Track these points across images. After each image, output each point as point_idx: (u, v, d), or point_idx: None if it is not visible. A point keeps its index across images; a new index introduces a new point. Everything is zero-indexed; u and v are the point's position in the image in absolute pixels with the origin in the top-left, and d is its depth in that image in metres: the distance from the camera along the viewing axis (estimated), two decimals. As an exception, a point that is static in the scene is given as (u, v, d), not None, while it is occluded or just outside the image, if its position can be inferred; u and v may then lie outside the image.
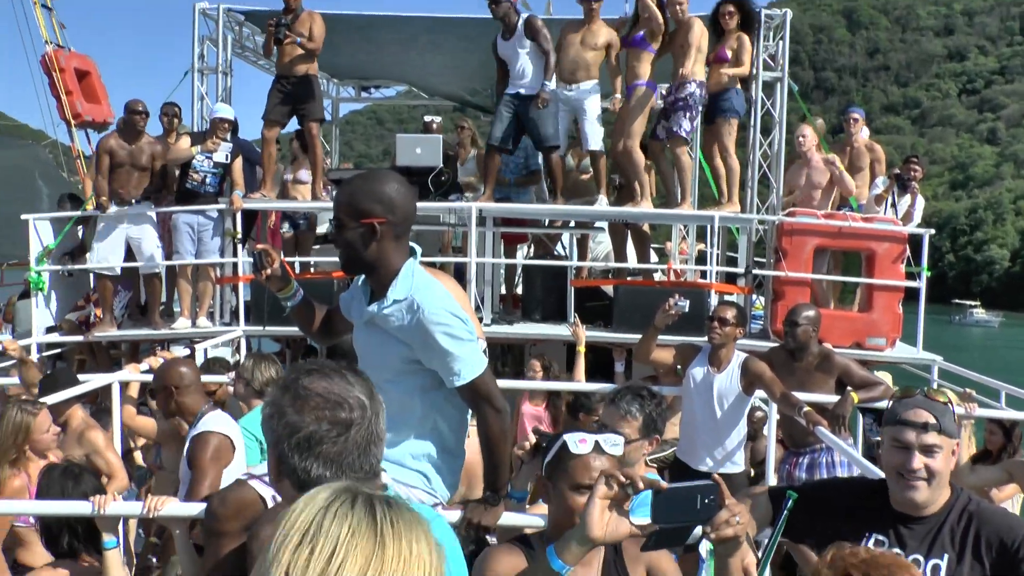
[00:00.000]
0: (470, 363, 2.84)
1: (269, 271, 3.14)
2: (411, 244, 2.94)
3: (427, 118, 11.17)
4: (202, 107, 9.26)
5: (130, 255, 8.49)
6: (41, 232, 8.66)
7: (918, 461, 2.48)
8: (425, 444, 2.94)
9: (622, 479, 2.06)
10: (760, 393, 5.52)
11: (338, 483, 1.24)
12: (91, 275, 8.75)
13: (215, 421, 4.11)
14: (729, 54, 8.39)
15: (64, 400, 5.29)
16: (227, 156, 8.39)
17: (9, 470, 4.41)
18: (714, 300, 7.98)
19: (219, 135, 8.30)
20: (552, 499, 2.50)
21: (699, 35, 8.17)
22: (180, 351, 6.83)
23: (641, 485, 2.06)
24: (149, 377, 5.91)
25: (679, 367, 5.87)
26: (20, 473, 4.42)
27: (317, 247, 10.60)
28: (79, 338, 8.37)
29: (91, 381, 5.95)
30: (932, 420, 2.48)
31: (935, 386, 7.59)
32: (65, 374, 5.90)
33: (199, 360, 6.66)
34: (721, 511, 2.07)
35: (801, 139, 8.72)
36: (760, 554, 2.78)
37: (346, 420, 1.78)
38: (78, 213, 9.04)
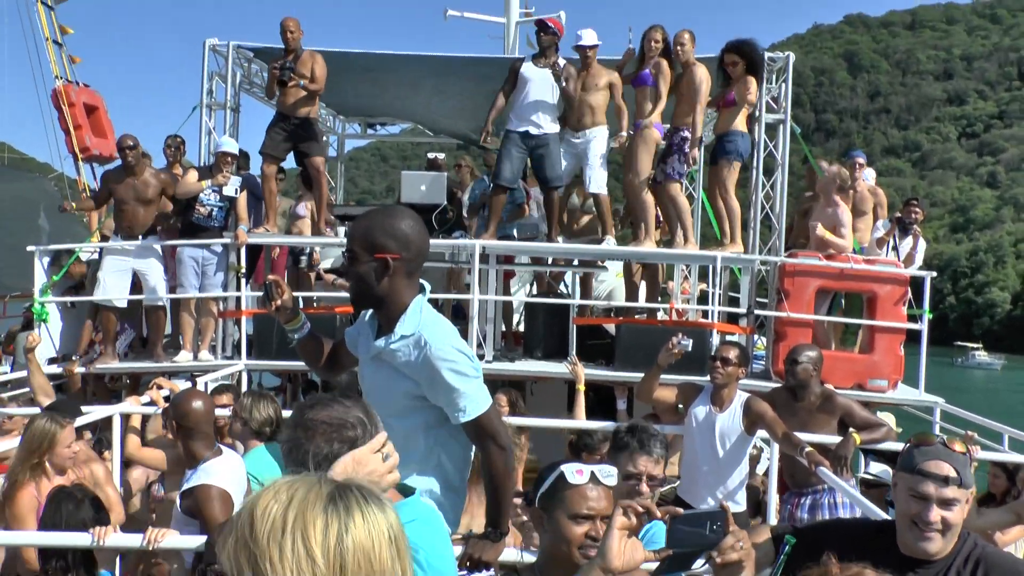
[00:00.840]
0: (475, 400, 2.85)
1: (279, 302, 3.17)
2: (421, 281, 2.96)
3: (431, 155, 11.26)
4: (210, 142, 9.34)
5: (135, 288, 8.52)
6: (45, 264, 8.71)
7: (935, 514, 2.45)
8: (428, 480, 2.94)
9: (640, 509, 2.15)
10: (760, 433, 5.53)
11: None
12: (92, 307, 8.76)
13: (215, 472, 4.05)
14: (736, 100, 8.46)
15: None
16: (236, 190, 8.46)
17: (27, 477, 4.41)
18: (716, 340, 7.99)
19: (224, 169, 8.37)
20: (547, 530, 2.50)
21: (700, 82, 8.25)
22: (181, 384, 6.81)
23: (659, 514, 2.18)
24: (150, 409, 5.93)
25: (680, 406, 5.87)
26: (33, 486, 4.41)
27: (319, 283, 10.63)
28: (81, 370, 8.36)
29: (92, 412, 5.95)
30: (953, 474, 2.45)
31: (937, 428, 7.58)
32: (68, 405, 5.90)
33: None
34: (727, 536, 2.18)
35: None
36: None
37: (352, 437, 2.11)
38: (82, 245, 9.09)
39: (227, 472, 4.08)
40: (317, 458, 2.06)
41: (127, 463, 6.07)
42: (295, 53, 8.66)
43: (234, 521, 1.24)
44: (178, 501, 4.12)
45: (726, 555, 2.19)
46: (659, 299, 10.27)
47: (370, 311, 3.05)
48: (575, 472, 2.47)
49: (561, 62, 8.32)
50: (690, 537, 2.19)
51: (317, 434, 2.10)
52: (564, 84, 8.28)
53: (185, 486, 4.08)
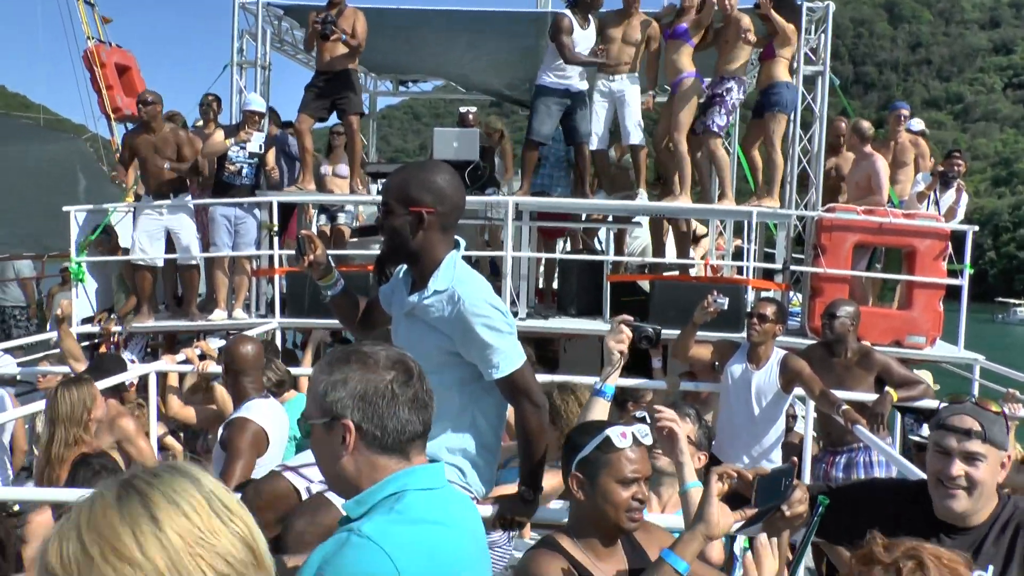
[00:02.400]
0: (509, 356, 2.82)
1: (312, 257, 3.13)
2: (456, 237, 2.93)
3: (463, 109, 11.11)
4: (241, 100, 9.32)
5: (168, 247, 8.58)
6: (81, 224, 8.78)
7: (958, 468, 2.40)
8: (462, 438, 2.92)
9: (733, 474, 2.35)
10: (796, 391, 5.47)
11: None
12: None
13: (256, 409, 4.14)
14: (776, 50, 8.29)
15: (111, 387, 5.37)
16: (260, 146, 8.44)
17: (71, 451, 4.41)
18: (751, 296, 7.90)
19: (250, 127, 8.35)
20: (588, 494, 2.47)
21: (748, 31, 8.08)
22: (216, 343, 6.87)
23: (750, 476, 2.38)
24: (186, 368, 6.00)
25: (716, 363, 5.82)
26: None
27: (354, 240, 10.64)
28: (118, 328, 8.46)
29: (128, 371, 6.02)
30: (977, 427, 2.41)
31: (976, 386, 7.46)
32: (112, 360, 6.00)
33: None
34: (796, 491, 2.38)
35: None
36: (793, 555, 2.76)
37: (408, 368, 1.90)
38: (116, 205, 9.15)
39: (268, 413, 4.19)
40: (377, 391, 1.84)
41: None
42: (339, 8, 8.58)
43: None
44: (219, 434, 4.21)
45: (795, 508, 2.36)
46: (689, 255, 10.17)
47: (404, 268, 3.03)
48: (620, 435, 2.46)
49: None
50: (770, 494, 2.34)
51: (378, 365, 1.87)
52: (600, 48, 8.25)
53: (228, 419, 4.18)
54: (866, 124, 8.80)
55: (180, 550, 1.05)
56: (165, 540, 1.05)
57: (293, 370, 5.88)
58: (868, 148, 8.64)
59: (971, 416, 2.43)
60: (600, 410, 3.05)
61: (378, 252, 9.70)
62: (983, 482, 2.40)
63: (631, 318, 3.15)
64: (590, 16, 8.30)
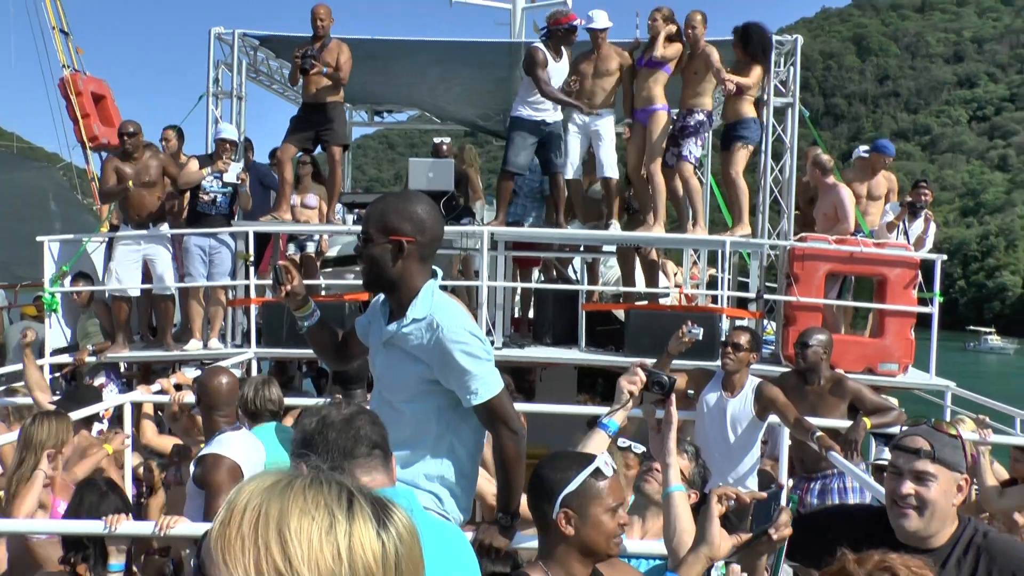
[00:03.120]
0: (487, 382, 2.84)
1: (289, 287, 3.16)
2: (433, 267, 2.97)
3: (436, 140, 11.17)
4: (216, 131, 9.34)
5: (145, 277, 8.53)
6: (55, 253, 8.72)
7: (907, 487, 2.44)
8: (440, 464, 2.93)
9: (732, 495, 2.43)
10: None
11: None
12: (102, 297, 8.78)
13: (228, 443, 4.06)
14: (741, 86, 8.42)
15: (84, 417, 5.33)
16: (237, 176, 8.43)
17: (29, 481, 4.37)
18: (725, 325, 7.97)
19: (224, 156, 8.36)
20: (578, 527, 2.38)
21: (715, 62, 8.20)
22: (192, 373, 6.82)
23: (747, 499, 2.47)
24: (162, 398, 5.95)
25: (690, 392, 5.86)
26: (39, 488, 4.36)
27: (328, 270, 10.62)
28: (92, 359, 8.39)
29: (104, 401, 5.98)
30: (927, 447, 2.44)
31: (948, 412, 7.55)
32: (89, 391, 5.95)
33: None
34: (783, 514, 2.43)
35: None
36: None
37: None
38: (92, 236, 9.11)
39: (240, 446, 4.07)
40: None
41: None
42: (323, 42, 8.64)
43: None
44: (191, 470, 4.15)
45: (781, 531, 2.40)
46: (658, 284, 10.24)
47: (382, 298, 3.05)
48: (606, 464, 2.44)
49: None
50: (762, 517, 2.48)
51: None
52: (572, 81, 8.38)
53: (199, 455, 4.11)
54: (825, 157, 8.98)
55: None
56: None
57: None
58: (831, 179, 8.81)
59: (923, 437, 2.47)
60: (600, 442, 3.02)
61: (352, 282, 9.73)
62: (934, 502, 2.42)
63: (649, 363, 3.19)
64: (563, 48, 8.41)
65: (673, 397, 2.93)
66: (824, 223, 8.86)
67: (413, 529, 1.08)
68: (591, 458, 2.47)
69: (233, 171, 8.43)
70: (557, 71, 8.34)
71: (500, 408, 2.88)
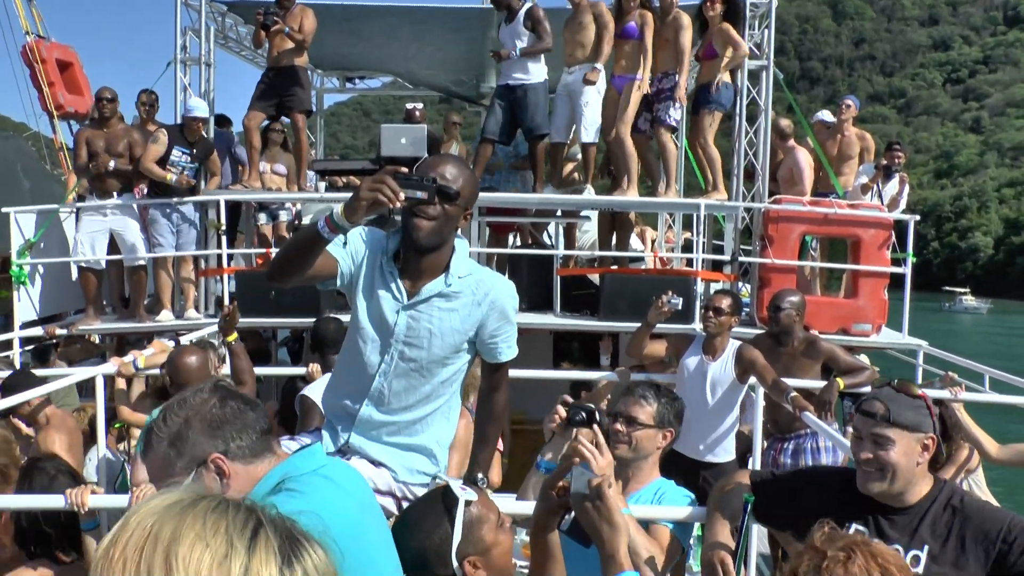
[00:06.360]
0: (515, 339, 3.01)
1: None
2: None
3: (409, 105, 11.01)
4: (185, 97, 9.18)
5: (112, 248, 8.41)
6: (23, 226, 8.58)
7: (866, 451, 2.47)
8: (448, 430, 3.00)
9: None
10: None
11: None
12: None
13: None
14: (717, 50, 8.36)
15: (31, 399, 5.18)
16: (182, 170, 8.20)
17: None
18: (700, 288, 7.98)
19: (192, 132, 8.23)
20: (487, 565, 2.16)
21: (684, 29, 8.15)
22: (168, 344, 6.75)
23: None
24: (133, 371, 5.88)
25: (671, 358, 5.87)
26: None
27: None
28: (62, 332, 8.29)
29: (76, 374, 5.90)
30: (883, 411, 2.46)
31: (920, 371, 7.61)
32: (24, 376, 5.65)
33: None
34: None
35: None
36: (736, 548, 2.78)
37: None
38: (59, 207, 8.97)
39: None
40: None
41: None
42: (287, 8, 8.53)
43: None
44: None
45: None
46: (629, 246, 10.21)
47: (384, 259, 2.84)
48: (461, 488, 2.18)
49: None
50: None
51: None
52: (535, 30, 8.19)
53: None
54: (785, 122, 9.27)
55: None
56: None
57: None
58: (791, 143, 8.90)
59: (881, 400, 2.48)
60: (539, 483, 2.70)
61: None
62: (895, 464, 2.44)
63: (570, 399, 3.09)
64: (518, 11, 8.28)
65: (587, 431, 2.52)
66: (784, 186, 8.92)
67: (329, 571, 1.00)
68: (452, 498, 2.14)
69: (173, 174, 8.18)
70: (509, 33, 8.28)
71: (509, 365, 3.02)
